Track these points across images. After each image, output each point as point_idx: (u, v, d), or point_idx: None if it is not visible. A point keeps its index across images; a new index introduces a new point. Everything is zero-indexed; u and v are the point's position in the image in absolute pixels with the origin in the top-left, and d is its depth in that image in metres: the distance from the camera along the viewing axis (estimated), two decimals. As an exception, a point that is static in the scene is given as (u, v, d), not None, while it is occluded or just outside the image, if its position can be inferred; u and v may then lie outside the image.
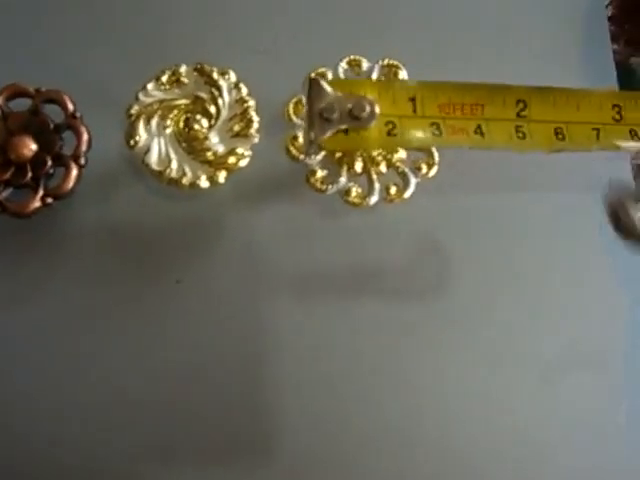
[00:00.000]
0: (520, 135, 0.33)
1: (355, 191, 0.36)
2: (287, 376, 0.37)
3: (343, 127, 0.32)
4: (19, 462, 0.35)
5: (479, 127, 0.33)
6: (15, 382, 0.36)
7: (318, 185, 0.36)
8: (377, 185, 0.36)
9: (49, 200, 0.36)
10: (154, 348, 0.37)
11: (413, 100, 0.32)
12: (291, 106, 0.38)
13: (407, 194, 0.36)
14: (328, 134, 0.32)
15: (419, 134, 0.32)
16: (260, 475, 0.36)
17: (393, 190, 0.36)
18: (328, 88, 0.32)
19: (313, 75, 0.35)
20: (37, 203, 0.36)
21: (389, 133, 0.32)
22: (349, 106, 0.32)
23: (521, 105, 0.33)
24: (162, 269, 0.38)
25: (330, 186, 0.36)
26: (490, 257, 0.39)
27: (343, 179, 0.36)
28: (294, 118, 0.38)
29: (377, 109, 0.32)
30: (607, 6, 0.44)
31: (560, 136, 0.33)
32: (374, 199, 0.36)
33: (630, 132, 0.34)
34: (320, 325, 0.38)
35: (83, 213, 0.38)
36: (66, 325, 0.37)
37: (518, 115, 0.33)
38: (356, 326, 0.38)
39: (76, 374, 0.36)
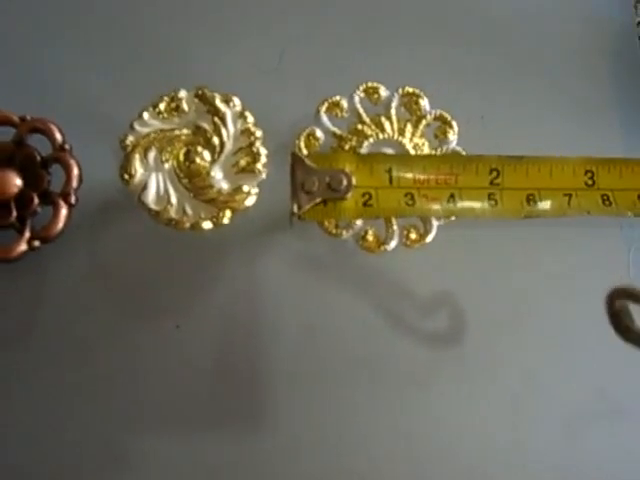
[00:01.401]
0: (492, 202, 0.34)
1: (372, 235, 0.33)
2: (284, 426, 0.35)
3: (322, 199, 0.33)
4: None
5: (452, 196, 0.34)
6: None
7: (331, 229, 0.33)
8: (396, 228, 0.33)
9: (36, 243, 0.32)
10: (152, 398, 0.34)
11: (389, 172, 0.34)
12: (302, 139, 0.34)
13: (429, 238, 0.34)
14: (309, 206, 0.33)
15: (393, 204, 0.33)
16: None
17: (413, 235, 0.33)
18: (309, 163, 0.33)
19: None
20: (23, 246, 0.32)
21: (365, 204, 0.33)
22: (327, 179, 0.33)
23: (494, 174, 0.34)
24: (161, 314, 0.35)
25: (345, 231, 0.33)
26: (511, 303, 0.37)
27: (359, 222, 0.33)
28: (305, 153, 0.34)
29: (353, 181, 0.33)
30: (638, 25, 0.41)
31: (532, 203, 0.34)
32: (393, 244, 0.33)
33: (602, 197, 0.35)
34: (327, 375, 0.35)
35: (73, 255, 0.35)
36: (54, 376, 0.34)
37: (491, 183, 0.34)
38: (371, 375, 0.35)
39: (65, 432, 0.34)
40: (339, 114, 0.35)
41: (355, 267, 0.36)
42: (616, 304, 0.28)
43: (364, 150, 0.34)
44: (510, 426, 0.36)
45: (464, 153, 0.35)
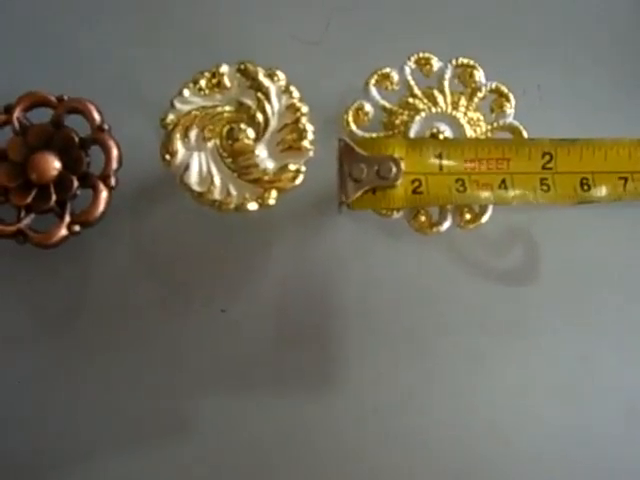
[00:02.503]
0: (545, 188, 0.32)
1: (424, 215, 0.32)
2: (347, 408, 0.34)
3: (371, 187, 0.31)
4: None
5: (504, 181, 0.32)
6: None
7: (382, 210, 0.32)
8: (449, 208, 0.32)
9: (76, 228, 0.31)
10: (196, 384, 0.33)
11: (439, 157, 0.32)
12: (350, 114, 0.33)
13: (484, 219, 0.32)
14: (357, 194, 0.31)
15: (444, 191, 0.32)
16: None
17: (468, 215, 0.32)
18: (358, 149, 0.31)
19: (343, 136, 0.32)
20: (63, 231, 0.31)
21: (415, 191, 0.32)
22: (376, 166, 0.31)
23: (547, 158, 0.32)
24: (205, 298, 0.34)
25: (395, 211, 0.31)
26: (569, 287, 0.35)
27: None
28: (354, 128, 0.33)
29: (403, 167, 0.31)
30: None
31: (586, 187, 0.32)
32: (446, 225, 0.32)
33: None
34: (382, 355, 0.34)
35: (115, 240, 0.34)
36: (98, 361, 0.33)
37: (544, 168, 0.32)
38: (420, 351, 0.34)
39: (111, 407, 0.33)
40: (389, 87, 0.33)
41: (406, 247, 0.34)
42: None
43: (416, 124, 0.33)
44: (567, 409, 0.34)
45: (522, 128, 0.33)
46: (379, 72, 0.33)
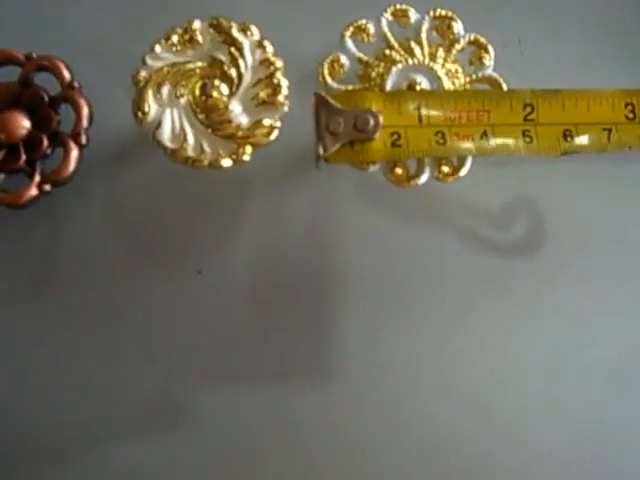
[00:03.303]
0: (527, 140, 0.32)
1: (400, 168, 0.31)
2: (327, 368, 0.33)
3: (348, 140, 0.31)
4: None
5: (485, 133, 0.31)
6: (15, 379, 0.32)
7: (358, 164, 0.31)
8: (427, 161, 0.31)
9: (47, 187, 0.31)
10: (171, 347, 0.33)
11: (418, 109, 0.31)
12: (325, 66, 0.32)
13: (463, 172, 0.31)
14: (335, 148, 0.31)
15: (424, 144, 0.31)
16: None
17: (446, 168, 0.31)
18: (334, 103, 0.31)
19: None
20: (33, 191, 0.31)
21: (394, 144, 0.31)
22: (353, 119, 0.31)
23: (528, 109, 0.32)
24: (181, 259, 0.33)
25: (371, 165, 0.31)
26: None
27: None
28: (329, 81, 0.32)
29: (381, 120, 0.31)
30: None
31: (569, 138, 0.32)
32: (424, 178, 0.31)
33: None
34: (363, 317, 0.33)
35: (86, 199, 0.33)
36: (71, 324, 0.33)
37: (525, 119, 0.32)
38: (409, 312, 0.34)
39: (82, 372, 0.33)
40: (365, 39, 0.32)
41: (382, 202, 0.34)
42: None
43: (392, 76, 0.32)
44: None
45: (501, 80, 0.32)
46: (355, 24, 0.32)
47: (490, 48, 0.33)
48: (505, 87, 0.32)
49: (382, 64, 0.32)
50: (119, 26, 0.34)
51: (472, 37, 0.33)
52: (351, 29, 0.32)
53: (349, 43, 0.32)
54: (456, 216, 0.35)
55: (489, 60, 0.33)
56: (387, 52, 0.32)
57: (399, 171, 0.31)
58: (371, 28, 0.32)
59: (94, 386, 0.32)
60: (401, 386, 0.33)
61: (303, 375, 0.33)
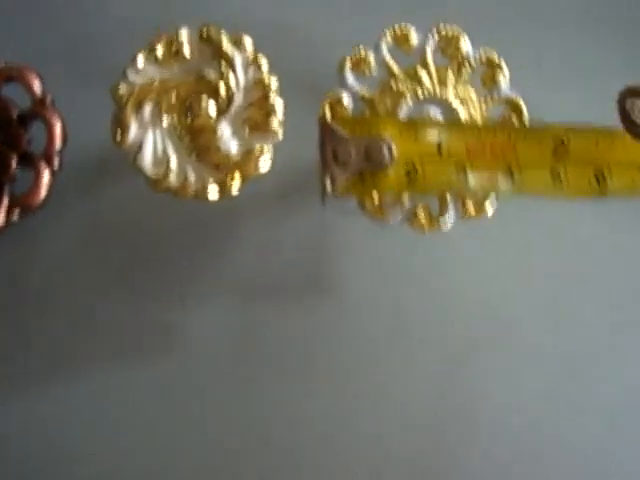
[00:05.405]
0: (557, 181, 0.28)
1: (422, 212, 0.29)
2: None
3: (358, 171, 0.28)
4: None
5: (509, 169, 0.28)
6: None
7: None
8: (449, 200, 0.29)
9: (15, 217, 0.28)
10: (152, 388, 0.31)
11: (438, 139, 0.28)
12: (327, 108, 0.29)
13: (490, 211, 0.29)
14: (343, 181, 0.28)
15: (443, 177, 0.28)
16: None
17: (471, 206, 0.29)
18: (342, 132, 0.28)
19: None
20: (0, 218, 0.28)
21: (409, 175, 0.28)
22: (365, 148, 0.28)
23: (558, 143, 0.29)
24: (162, 287, 0.31)
25: (391, 215, 0.29)
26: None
27: (406, 200, 0.29)
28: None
29: (395, 150, 0.28)
30: None
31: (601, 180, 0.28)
32: (450, 220, 0.29)
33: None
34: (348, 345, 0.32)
35: (60, 226, 0.31)
36: (43, 355, 0.31)
37: (554, 154, 0.29)
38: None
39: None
40: (367, 72, 0.30)
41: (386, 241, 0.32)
42: (627, 102, 0.28)
43: (402, 113, 0.29)
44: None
45: (521, 100, 0.30)
46: (354, 56, 0.29)
47: (503, 65, 0.30)
48: (525, 109, 0.30)
49: (389, 100, 0.29)
50: (98, 35, 0.31)
51: (483, 55, 0.30)
52: (350, 61, 0.29)
53: (350, 79, 0.29)
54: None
55: (504, 79, 0.30)
56: (392, 85, 0.29)
57: (421, 215, 0.29)
58: (371, 58, 0.29)
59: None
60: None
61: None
